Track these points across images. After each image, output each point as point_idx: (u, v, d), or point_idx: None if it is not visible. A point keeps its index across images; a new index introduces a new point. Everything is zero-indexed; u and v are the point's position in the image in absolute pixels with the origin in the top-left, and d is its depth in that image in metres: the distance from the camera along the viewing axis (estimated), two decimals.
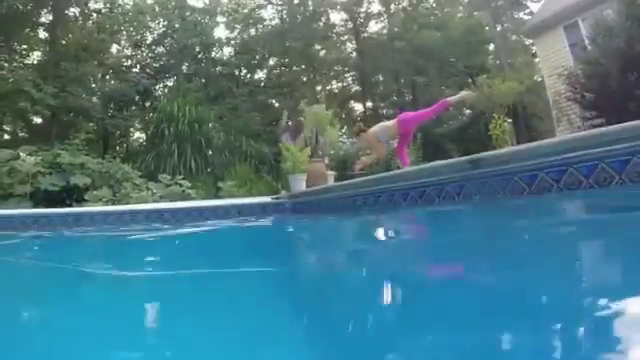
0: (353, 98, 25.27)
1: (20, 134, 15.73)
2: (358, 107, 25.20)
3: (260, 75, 21.77)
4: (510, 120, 7.48)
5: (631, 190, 2.15)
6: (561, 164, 2.37)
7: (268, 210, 5.99)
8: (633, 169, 2.17)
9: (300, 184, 6.07)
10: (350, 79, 25.22)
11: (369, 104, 24.83)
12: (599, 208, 2.25)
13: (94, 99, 14.25)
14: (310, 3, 23.36)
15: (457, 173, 3.00)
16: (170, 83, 19.15)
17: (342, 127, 12.51)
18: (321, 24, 22.97)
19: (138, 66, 18.46)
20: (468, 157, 2.93)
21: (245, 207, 6.01)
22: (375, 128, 6.62)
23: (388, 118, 24.14)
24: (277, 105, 19.70)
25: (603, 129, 2.39)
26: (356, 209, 4.29)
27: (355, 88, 25.14)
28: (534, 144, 2.67)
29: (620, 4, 10.97)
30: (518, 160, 2.59)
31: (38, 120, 14.92)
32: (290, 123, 6.91)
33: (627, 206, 2.05)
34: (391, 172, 3.81)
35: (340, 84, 25.79)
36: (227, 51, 21.50)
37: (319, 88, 25.26)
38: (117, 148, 16.02)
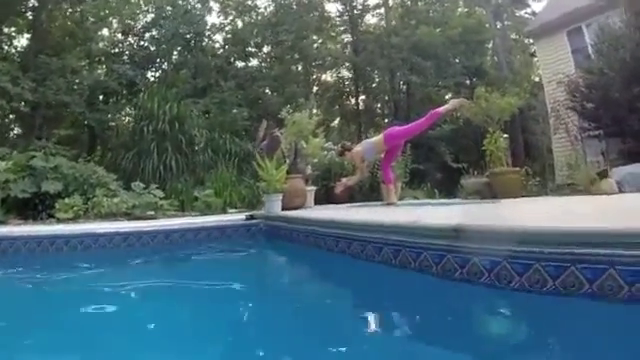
0: (346, 94, 24.58)
1: None
2: (352, 103, 24.49)
3: (253, 63, 21.06)
4: (506, 135, 6.94)
5: None
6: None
7: (240, 233, 5.56)
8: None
9: (275, 205, 5.57)
10: (344, 72, 24.58)
11: (363, 97, 24.24)
12: None
13: (75, 93, 13.42)
14: None
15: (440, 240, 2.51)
16: (157, 74, 18.42)
17: (327, 134, 12.04)
18: (316, 14, 22.17)
19: (126, 56, 17.65)
20: (454, 225, 2.43)
21: (215, 229, 5.55)
22: (359, 147, 6.17)
23: (382, 116, 23.86)
24: (268, 95, 19.12)
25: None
26: (328, 248, 3.83)
27: (349, 83, 24.50)
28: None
29: (628, 13, 10.49)
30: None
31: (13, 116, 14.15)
32: (265, 137, 6.37)
33: None
34: (362, 219, 3.24)
35: (334, 77, 25.16)
36: (218, 39, 20.81)
37: (313, 77, 24.71)
38: (99, 147, 15.28)
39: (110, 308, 2.77)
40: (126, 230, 5.20)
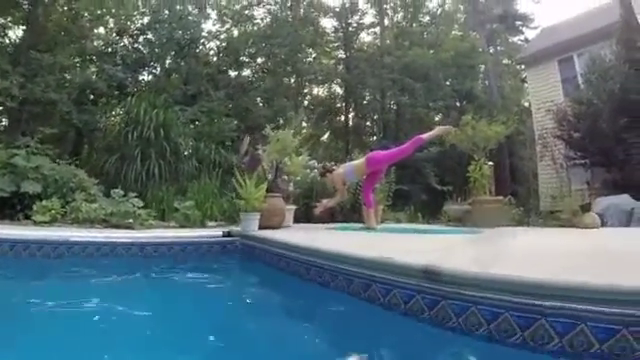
0: (336, 110, 24.61)
1: None
2: (342, 119, 24.50)
3: (245, 73, 20.97)
4: (491, 163, 6.90)
5: None
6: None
7: (214, 251, 5.41)
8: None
9: (252, 224, 5.43)
10: (336, 88, 24.65)
11: (352, 115, 24.26)
12: None
13: (64, 91, 13.16)
14: (302, 5, 22.80)
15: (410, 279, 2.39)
16: (148, 78, 18.22)
17: (314, 149, 11.96)
18: (311, 28, 22.24)
19: (118, 57, 17.40)
20: (423, 266, 2.31)
21: (190, 245, 5.39)
22: (341, 169, 6.07)
23: (371, 134, 23.89)
24: (258, 107, 18.99)
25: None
26: (300, 275, 3.69)
27: (340, 99, 24.54)
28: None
29: (619, 46, 10.63)
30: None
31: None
32: (247, 152, 6.25)
33: None
34: (331, 250, 3.12)
35: (325, 92, 25.22)
36: (212, 46, 20.72)
37: (305, 91, 24.71)
38: (85, 146, 15.02)
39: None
40: (99, 240, 5.05)
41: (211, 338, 2.57)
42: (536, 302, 1.78)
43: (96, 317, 2.82)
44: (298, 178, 8.06)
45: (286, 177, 7.49)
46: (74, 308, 3.01)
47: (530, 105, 17.98)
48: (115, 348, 2.18)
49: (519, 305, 1.83)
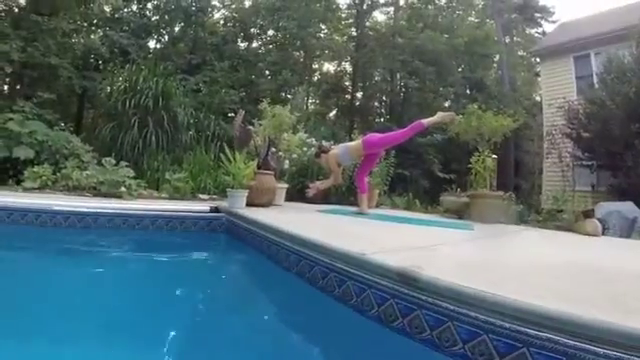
0: (344, 88, 24.16)
1: None
2: (348, 98, 24.06)
3: (253, 45, 20.54)
4: (495, 156, 6.63)
5: None
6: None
7: (199, 226, 5.23)
8: None
9: (239, 201, 5.22)
10: (346, 66, 24.18)
11: (360, 94, 23.85)
12: None
13: (65, 56, 12.86)
14: None
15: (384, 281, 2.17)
16: (154, 45, 17.87)
17: (315, 129, 11.68)
18: (323, 3, 21.62)
19: (124, 23, 16.98)
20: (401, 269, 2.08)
21: (175, 219, 5.20)
22: (336, 150, 5.81)
23: (379, 115, 23.52)
24: (262, 80, 18.64)
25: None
26: (280, 261, 3.48)
27: (348, 78, 24.09)
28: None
29: (639, 49, 10.24)
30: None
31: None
32: (239, 130, 5.98)
33: None
34: (313, 240, 2.89)
35: (335, 69, 24.77)
36: (220, 16, 20.28)
37: (315, 67, 24.30)
38: (89, 113, 14.82)
39: None
40: (82, 210, 4.88)
41: (171, 315, 2.55)
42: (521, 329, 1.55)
43: (58, 290, 2.83)
44: (294, 156, 7.81)
45: (282, 154, 7.26)
46: (46, 276, 3.08)
47: (541, 100, 17.59)
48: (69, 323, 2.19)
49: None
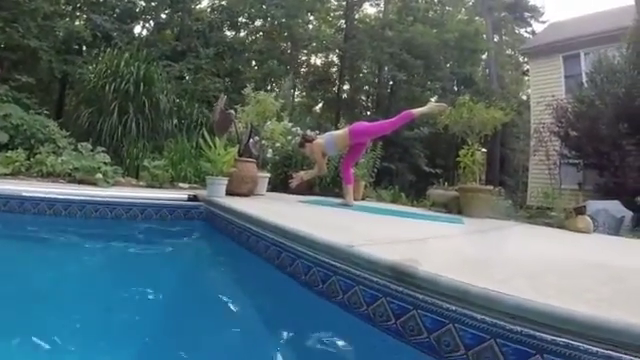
0: (331, 80, 23.89)
1: None
2: (335, 90, 23.79)
3: (240, 34, 20.14)
4: (484, 150, 6.47)
5: None
6: None
7: (176, 215, 4.95)
8: None
9: (218, 189, 4.96)
10: (333, 58, 23.90)
11: (347, 87, 23.60)
12: None
13: (46, 39, 12.37)
14: None
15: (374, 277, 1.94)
16: (139, 31, 17.38)
17: (300, 119, 11.46)
18: None
19: (108, 7, 16.42)
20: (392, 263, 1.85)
21: (150, 207, 4.90)
22: (321, 139, 5.56)
23: (366, 108, 23.32)
24: (247, 68, 18.28)
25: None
26: (260, 252, 3.24)
27: (335, 70, 23.82)
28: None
29: (629, 50, 10.22)
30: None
31: None
32: (219, 114, 5.68)
33: None
34: (298, 231, 2.63)
35: (322, 60, 24.47)
36: (207, 3, 19.80)
37: (303, 58, 23.97)
38: (66, 99, 14.28)
39: None
40: (52, 197, 4.56)
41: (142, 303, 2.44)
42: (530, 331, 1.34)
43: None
44: (278, 144, 7.56)
45: (265, 142, 6.99)
46: (12, 267, 2.92)
47: (528, 98, 17.61)
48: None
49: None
